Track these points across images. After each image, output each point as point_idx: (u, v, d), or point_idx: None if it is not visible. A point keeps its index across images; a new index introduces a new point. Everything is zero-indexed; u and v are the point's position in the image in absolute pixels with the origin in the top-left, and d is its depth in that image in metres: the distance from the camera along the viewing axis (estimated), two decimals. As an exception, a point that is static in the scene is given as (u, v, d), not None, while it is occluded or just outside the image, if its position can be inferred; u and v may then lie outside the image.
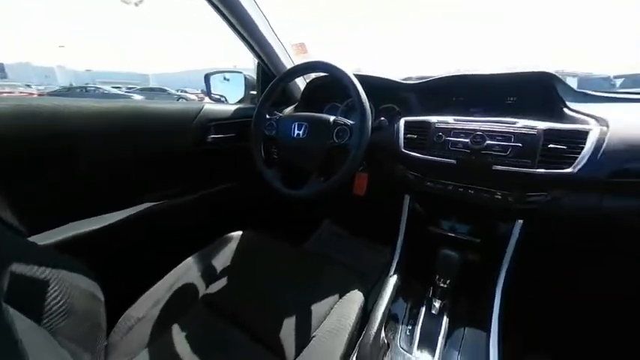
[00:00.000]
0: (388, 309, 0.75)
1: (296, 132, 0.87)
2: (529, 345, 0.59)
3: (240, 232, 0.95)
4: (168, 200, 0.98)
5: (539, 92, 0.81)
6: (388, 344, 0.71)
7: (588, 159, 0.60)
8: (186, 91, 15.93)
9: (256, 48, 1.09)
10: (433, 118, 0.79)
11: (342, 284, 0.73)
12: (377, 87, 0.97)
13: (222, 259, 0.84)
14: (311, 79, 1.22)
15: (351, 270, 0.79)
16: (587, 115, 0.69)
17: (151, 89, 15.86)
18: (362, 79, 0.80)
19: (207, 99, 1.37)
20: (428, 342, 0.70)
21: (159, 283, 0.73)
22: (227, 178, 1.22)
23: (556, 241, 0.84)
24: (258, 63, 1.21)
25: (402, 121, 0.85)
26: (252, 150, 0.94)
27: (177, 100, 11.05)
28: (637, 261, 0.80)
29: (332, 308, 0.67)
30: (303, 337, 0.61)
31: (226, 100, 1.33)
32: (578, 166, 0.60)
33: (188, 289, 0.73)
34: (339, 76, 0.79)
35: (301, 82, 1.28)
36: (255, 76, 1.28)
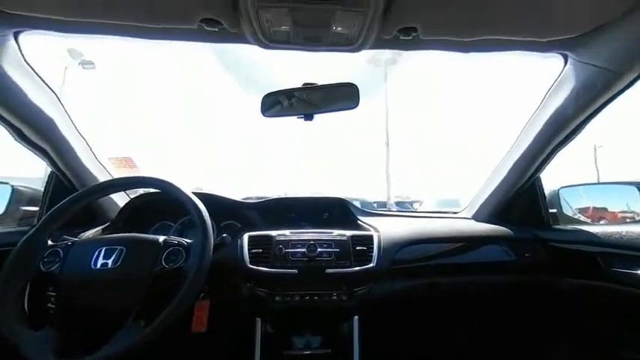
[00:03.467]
0: None
1: (101, 261, 0.64)
2: None
3: None
4: None
5: (340, 210, 1.15)
6: None
7: (378, 255, 0.85)
8: None
9: (52, 154, 0.86)
10: (274, 232, 0.88)
11: None
12: (218, 205, 0.99)
13: None
14: (137, 195, 1.06)
15: None
16: (369, 225, 1.03)
17: None
18: (202, 197, 0.79)
19: None
20: None
21: None
22: None
23: (382, 333, 1.00)
24: (52, 172, 0.92)
25: (245, 237, 0.87)
26: None
27: None
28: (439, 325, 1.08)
29: None
30: None
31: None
32: (375, 261, 0.84)
33: None
34: (175, 193, 0.74)
35: (121, 200, 1.07)
36: (41, 189, 0.94)
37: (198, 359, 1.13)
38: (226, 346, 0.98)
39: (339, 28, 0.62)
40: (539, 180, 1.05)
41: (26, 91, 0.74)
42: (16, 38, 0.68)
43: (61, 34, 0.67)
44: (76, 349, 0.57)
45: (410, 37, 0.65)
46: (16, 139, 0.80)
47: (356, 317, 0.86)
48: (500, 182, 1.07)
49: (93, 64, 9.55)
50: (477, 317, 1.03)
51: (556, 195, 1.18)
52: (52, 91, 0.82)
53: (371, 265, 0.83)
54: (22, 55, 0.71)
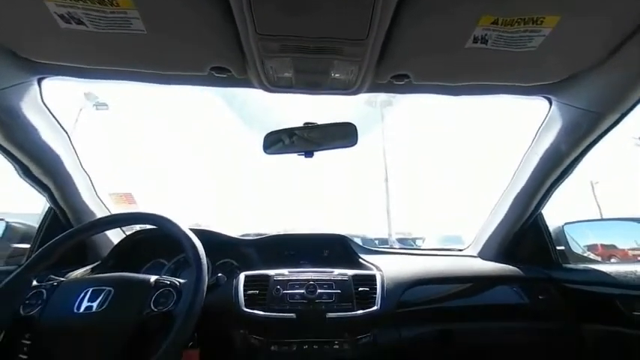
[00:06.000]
0: None
1: (85, 304, 0.59)
2: None
3: None
4: None
5: (340, 248, 1.11)
6: None
7: (382, 296, 0.80)
8: None
9: (53, 190, 0.86)
10: (271, 272, 0.84)
11: None
12: (215, 242, 0.96)
13: None
14: (133, 231, 1.03)
15: None
16: (371, 264, 0.98)
17: None
18: (199, 233, 0.77)
19: None
20: None
21: None
22: None
23: None
24: (49, 209, 0.92)
25: (241, 276, 0.82)
26: None
27: None
28: None
29: None
30: None
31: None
32: (379, 303, 0.78)
33: None
34: (172, 229, 0.72)
35: (116, 237, 1.05)
36: (35, 225, 0.92)
37: None
38: None
39: (337, 75, 0.67)
40: (541, 216, 1.03)
41: (39, 130, 0.77)
42: (39, 83, 0.74)
43: (80, 79, 0.73)
44: None
45: (403, 82, 0.70)
46: (20, 176, 0.81)
47: None
48: (503, 218, 1.05)
49: (107, 105, 10.14)
50: None
51: (561, 231, 1.16)
52: (65, 131, 0.85)
53: (375, 307, 0.77)
54: (42, 98, 0.76)
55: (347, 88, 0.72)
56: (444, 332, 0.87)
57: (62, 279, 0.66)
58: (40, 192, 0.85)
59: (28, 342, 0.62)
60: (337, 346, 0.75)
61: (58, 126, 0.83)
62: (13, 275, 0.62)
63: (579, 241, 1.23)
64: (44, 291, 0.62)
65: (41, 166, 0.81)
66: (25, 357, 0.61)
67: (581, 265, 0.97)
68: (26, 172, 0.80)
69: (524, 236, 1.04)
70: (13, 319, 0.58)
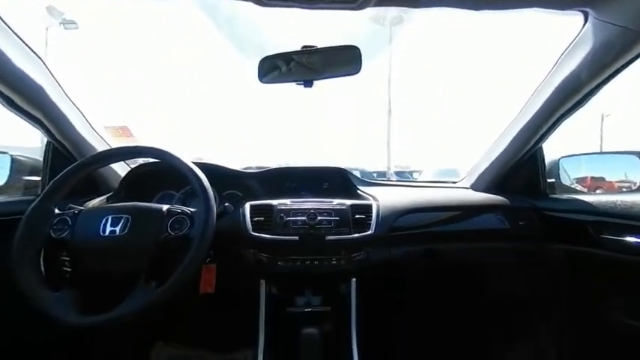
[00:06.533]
0: None
1: (109, 229, 0.66)
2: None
3: None
4: None
5: (340, 180, 1.15)
6: None
7: (376, 223, 0.88)
8: None
9: (46, 122, 0.84)
10: (274, 202, 0.90)
11: None
12: (218, 174, 0.99)
13: None
14: (137, 164, 1.06)
15: None
16: (369, 194, 1.04)
17: None
18: (203, 167, 0.80)
19: None
20: None
21: None
22: None
23: (378, 293, 1.07)
24: (48, 142, 0.91)
25: (247, 206, 0.89)
26: (13, 266, 0.60)
27: None
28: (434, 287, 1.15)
29: None
30: None
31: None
32: (373, 228, 0.87)
33: None
34: (175, 163, 0.74)
35: (121, 169, 1.07)
36: (40, 158, 0.94)
37: (207, 317, 1.23)
38: (234, 305, 1.06)
39: (339, -17, 0.56)
40: (541, 150, 1.04)
41: (10, 56, 0.69)
42: None
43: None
44: (94, 308, 0.61)
45: None
46: (8, 108, 0.77)
47: (354, 279, 0.92)
48: (502, 152, 1.06)
49: (75, 23, 8.88)
50: (469, 281, 1.10)
51: (556, 165, 1.18)
52: (38, 57, 0.77)
53: (370, 232, 0.86)
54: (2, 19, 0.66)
55: (351, 0, 0.61)
56: (429, 250, 1.00)
57: (82, 208, 0.72)
58: (33, 125, 0.83)
59: (66, 258, 0.72)
60: (335, 262, 0.87)
61: (30, 51, 0.75)
62: (35, 203, 0.67)
63: (571, 174, 1.27)
64: (68, 218, 0.68)
65: (24, 97, 0.77)
66: (68, 269, 0.72)
67: (565, 196, 1.03)
68: (11, 104, 0.76)
69: (519, 169, 1.07)
70: (48, 241, 0.66)
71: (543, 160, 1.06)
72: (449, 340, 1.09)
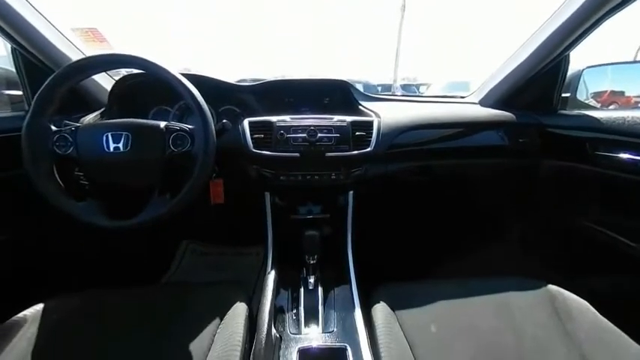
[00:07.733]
0: (273, 305, 0.77)
1: (112, 145, 0.66)
2: (381, 280, 0.82)
3: (40, 307, 0.64)
4: None
5: (341, 94, 1.09)
6: (280, 337, 0.73)
7: (376, 140, 0.88)
8: None
9: (8, 29, 0.73)
10: (273, 118, 0.87)
11: (218, 305, 0.67)
12: (211, 88, 0.92)
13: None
14: (121, 76, 0.97)
15: (225, 285, 0.74)
16: (370, 110, 1.00)
17: None
18: (194, 79, 0.73)
19: None
20: (311, 315, 0.79)
21: None
22: None
23: (373, 203, 1.17)
24: (13, 49, 0.81)
25: (246, 122, 0.86)
26: (32, 180, 0.63)
27: None
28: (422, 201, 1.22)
29: (215, 335, 0.61)
30: None
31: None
32: (373, 145, 0.87)
33: None
34: (163, 75, 0.67)
35: (106, 82, 0.99)
36: (11, 69, 0.85)
37: (220, 224, 1.40)
38: (244, 212, 1.18)
39: None
40: (567, 58, 0.93)
41: None
42: None
43: None
44: (117, 216, 0.68)
45: None
46: None
47: (351, 192, 0.99)
48: (520, 64, 0.95)
49: None
50: (457, 192, 1.18)
51: (577, 77, 1.08)
52: None
53: (369, 149, 0.86)
54: None
55: None
56: (424, 166, 1.03)
57: (77, 124, 0.70)
58: None
59: (80, 173, 0.75)
60: (334, 177, 0.91)
61: None
62: (27, 120, 0.64)
63: (591, 88, 1.17)
64: (67, 135, 0.66)
65: None
66: (85, 182, 0.76)
67: (575, 112, 0.99)
68: None
69: (535, 83, 0.98)
70: (56, 157, 0.66)
71: (566, 71, 0.96)
72: (432, 241, 1.26)
